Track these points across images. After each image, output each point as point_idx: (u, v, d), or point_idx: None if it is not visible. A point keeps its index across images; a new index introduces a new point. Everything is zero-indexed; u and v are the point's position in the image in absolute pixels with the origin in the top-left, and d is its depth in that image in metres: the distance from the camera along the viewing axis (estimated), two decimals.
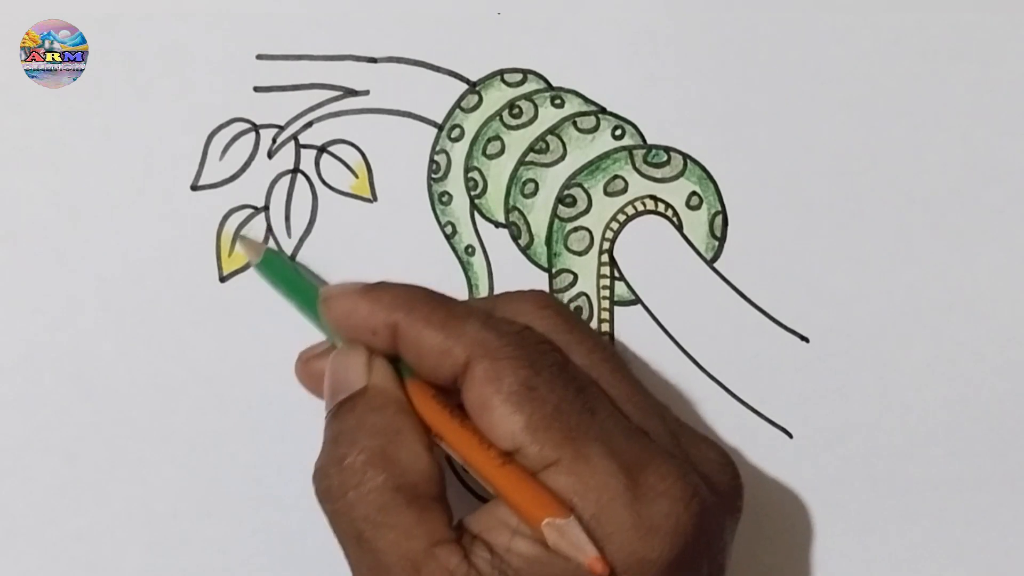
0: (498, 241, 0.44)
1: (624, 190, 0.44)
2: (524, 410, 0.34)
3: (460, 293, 0.44)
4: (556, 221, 0.44)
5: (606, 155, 0.44)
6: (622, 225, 0.44)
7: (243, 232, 0.44)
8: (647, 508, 0.34)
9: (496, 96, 0.45)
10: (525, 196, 0.44)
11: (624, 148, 0.45)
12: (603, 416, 0.35)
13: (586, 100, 0.45)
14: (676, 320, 0.44)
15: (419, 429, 0.36)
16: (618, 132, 0.45)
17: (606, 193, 0.44)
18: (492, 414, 0.35)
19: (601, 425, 0.35)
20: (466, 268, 0.44)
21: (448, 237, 0.44)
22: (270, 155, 0.44)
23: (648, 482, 0.34)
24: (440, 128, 0.44)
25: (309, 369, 0.40)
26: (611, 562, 0.33)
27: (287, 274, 0.41)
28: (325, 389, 0.38)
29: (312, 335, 0.40)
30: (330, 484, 0.35)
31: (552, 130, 0.45)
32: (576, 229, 0.44)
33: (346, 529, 0.35)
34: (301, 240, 0.44)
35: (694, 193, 0.44)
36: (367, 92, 0.44)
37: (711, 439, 0.39)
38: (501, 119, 0.45)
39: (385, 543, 0.34)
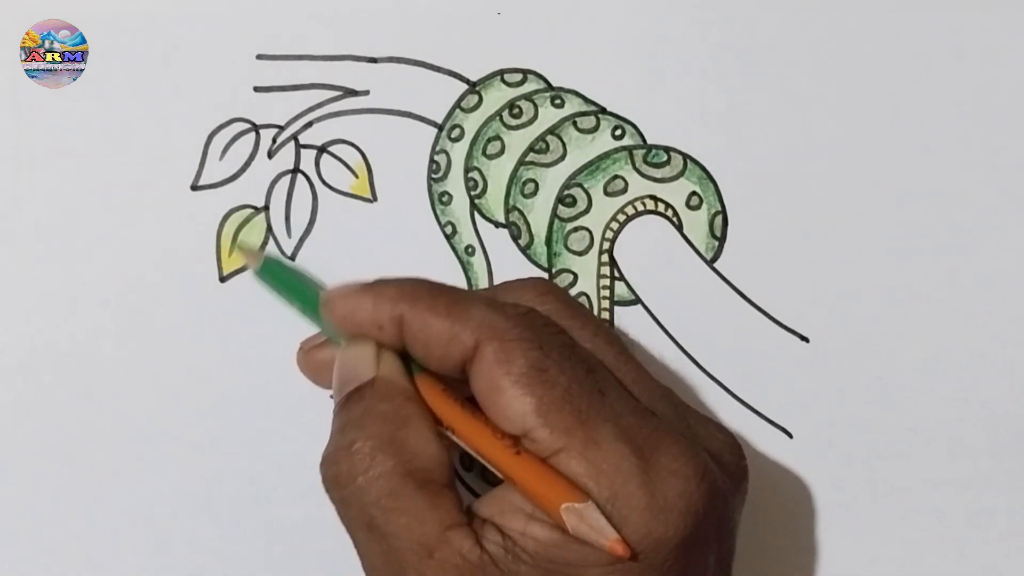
0: (498, 241, 0.44)
1: (624, 190, 0.44)
2: (535, 392, 0.34)
3: None
4: (556, 221, 0.44)
5: (606, 155, 0.44)
6: (622, 225, 0.44)
7: (240, 239, 0.43)
8: (660, 488, 0.34)
9: (496, 96, 0.45)
10: (525, 196, 0.44)
11: (624, 148, 0.45)
12: (612, 397, 0.35)
13: (586, 100, 0.45)
14: (676, 320, 0.44)
15: (427, 417, 0.36)
16: (618, 132, 0.45)
17: (606, 193, 0.44)
18: (502, 396, 0.34)
19: (611, 406, 0.35)
20: (466, 268, 0.44)
21: (448, 237, 0.44)
22: (270, 155, 0.44)
23: (660, 462, 0.34)
24: (440, 128, 0.44)
25: (310, 359, 0.39)
26: (629, 543, 0.33)
27: (288, 280, 0.41)
28: (334, 383, 0.37)
29: (312, 332, 0.40)
30: (339, 471, 0.35)
31: (552, 130, 0.45)
32: (576, 229, 0.44)
33: (356, 516, 0.35)
34: (301, 240, 0.44)
35: (694, 193, 0.44)
36: (367, 92, 0.44)
37: (717, 421, 0.39)
38: (501, 119, 0.45)
39: (397, 527, 0.34)
